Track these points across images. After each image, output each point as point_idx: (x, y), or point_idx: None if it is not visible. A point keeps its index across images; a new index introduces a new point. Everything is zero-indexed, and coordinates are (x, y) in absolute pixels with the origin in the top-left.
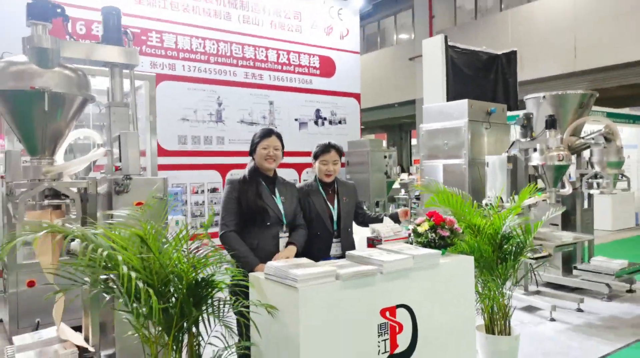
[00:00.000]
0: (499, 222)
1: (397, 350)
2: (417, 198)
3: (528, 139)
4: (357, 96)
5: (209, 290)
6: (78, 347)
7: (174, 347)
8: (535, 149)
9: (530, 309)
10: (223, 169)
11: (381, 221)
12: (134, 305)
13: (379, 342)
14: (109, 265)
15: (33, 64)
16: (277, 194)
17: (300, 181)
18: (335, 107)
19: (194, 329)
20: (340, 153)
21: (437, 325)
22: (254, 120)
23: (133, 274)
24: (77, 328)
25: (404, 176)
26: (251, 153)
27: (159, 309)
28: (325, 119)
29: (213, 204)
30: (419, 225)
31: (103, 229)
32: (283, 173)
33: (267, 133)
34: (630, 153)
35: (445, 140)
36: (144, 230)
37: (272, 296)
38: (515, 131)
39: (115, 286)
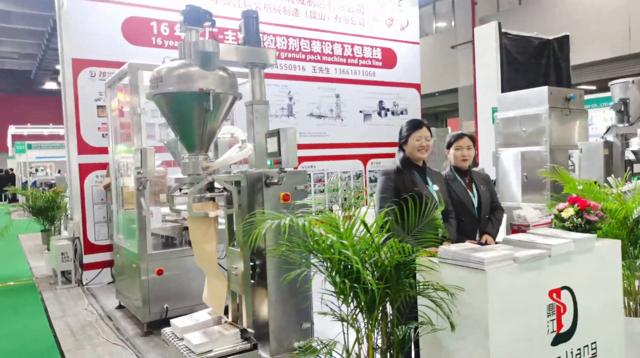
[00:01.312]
0: (631, 206)
1: (562, 330)
2: None
3: (626, 124)
4: (417, 87)
5: (407, 272)
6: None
7: (371, 326)
8: (635, 135)
9: None
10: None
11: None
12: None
13: (547, 322)
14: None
15: (194, 67)
16: (430, 182)
17: (365, 173)
18: (397, 98)
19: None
20: (472, 139)
21: (593, 306)
22: (322, 113)
23: (356, 258)
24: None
25: None
26: (401, 144)
27: (363, 289)
28: (387, 110)
29: None
30: (561, 210)
31: (307, 217)
32: (349, 165)
33: (418, 124)
34: None
35: (524, 127)
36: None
37: (448, 279)
38: (612, 117)
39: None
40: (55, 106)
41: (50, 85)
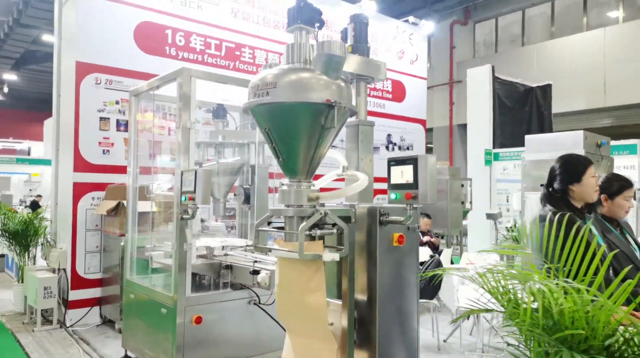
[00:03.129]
0: None
1: None
2: (510, 229)
3: None
4: (423, 122)
5: None
6: None
7: None
8: None
9: None
10: None
11: None
12: None
13: None
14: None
15: (308, 73)
16: (596, 231)
17: None
18: (404, 133)
19: None
20: None
21: None
22: (334, 143)
23: None
24: None
25: None
26: (571, 181)
27: None
28: (395, 144)
29: None
30: None
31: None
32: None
33: (591, 160)
34: None
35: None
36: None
37: None
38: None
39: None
40: None
41: None
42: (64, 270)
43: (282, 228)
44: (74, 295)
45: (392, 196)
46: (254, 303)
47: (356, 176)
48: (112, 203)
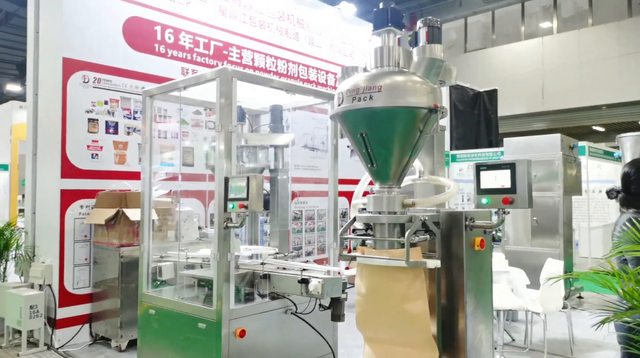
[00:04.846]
0: None
1: None
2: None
3: None
4: None
5: None
6: None
7: None
8: None
9: None
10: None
11: None
12: None
13: None
14: None
15: (403, 76)
16: None
17: (350, 209)
18: None
19: None
20: None
21: None
22: (315, 145)
23: None
24: None
25: None
26: None
27: None
28: None
29: None
30: None
31: None
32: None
33: None
34: None
35: (534, 172)
36: None
37: None
38: None
39: None
40: None
41: None
42: (49, 285)
43: (366, 235)
44: (63, 312)
45: (483, 200)
46: (292, 313)
47: (440, 182)
48: (110, 212)
